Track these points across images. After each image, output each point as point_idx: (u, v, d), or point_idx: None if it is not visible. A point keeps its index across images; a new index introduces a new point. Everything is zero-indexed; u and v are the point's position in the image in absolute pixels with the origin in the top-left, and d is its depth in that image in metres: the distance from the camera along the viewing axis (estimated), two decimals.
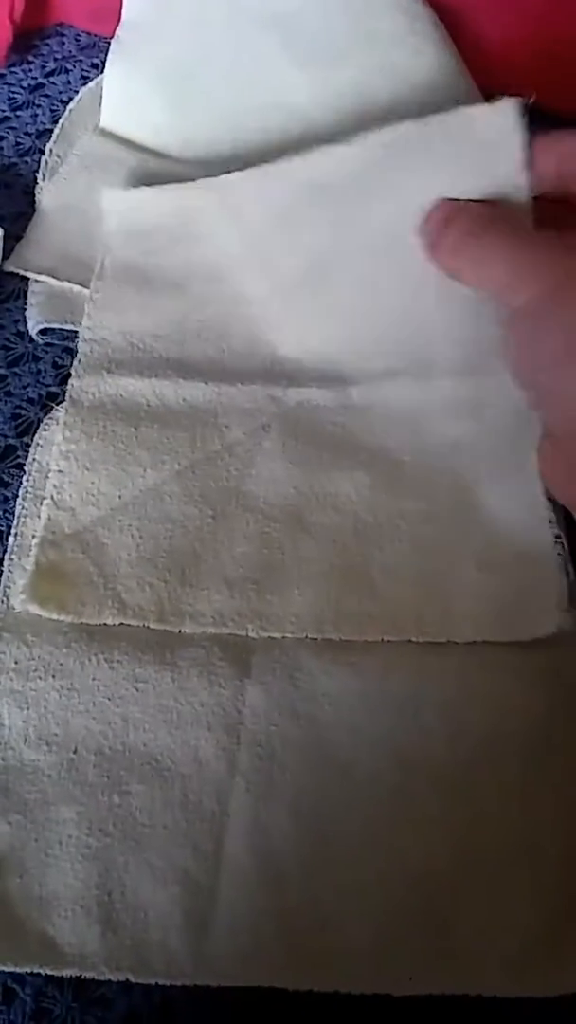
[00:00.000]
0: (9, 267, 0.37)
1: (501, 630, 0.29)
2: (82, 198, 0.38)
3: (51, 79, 0.46)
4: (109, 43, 0.42)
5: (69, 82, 0.46)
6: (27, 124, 0.43)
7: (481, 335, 0.31)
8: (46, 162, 0.41)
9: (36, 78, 0.46)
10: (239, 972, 0.24)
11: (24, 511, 0.31)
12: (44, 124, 0.43)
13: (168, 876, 0.25)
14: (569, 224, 0.29)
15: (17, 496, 0.31)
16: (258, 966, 0.24)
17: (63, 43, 0.48)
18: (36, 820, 0.26)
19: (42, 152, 0.41)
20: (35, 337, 0.36)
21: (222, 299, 0.35)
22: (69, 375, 0.33)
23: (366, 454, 0.32)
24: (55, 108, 0.44)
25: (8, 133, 0.43)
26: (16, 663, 0.28)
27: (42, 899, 0.25)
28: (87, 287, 0.35)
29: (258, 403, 0.33)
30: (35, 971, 0.24)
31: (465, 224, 0.29)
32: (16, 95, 0.45)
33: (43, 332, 0.36)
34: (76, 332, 0.35)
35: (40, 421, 0.33)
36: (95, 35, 0.48)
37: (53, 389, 0.35)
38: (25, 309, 0.36)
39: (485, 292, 0.29)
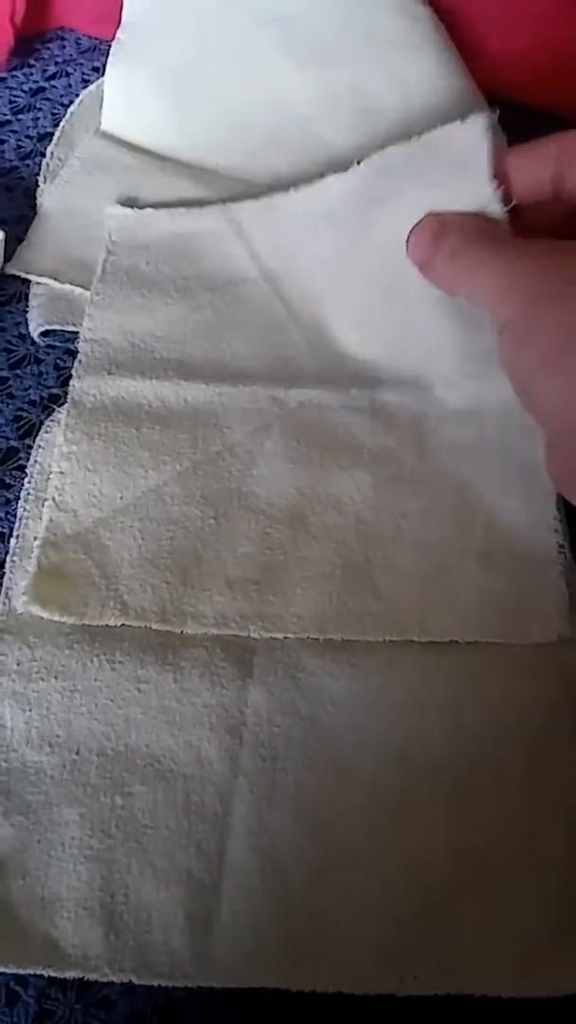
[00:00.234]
0: (10, 269, 0.37)
1: (503, 632, 0.29)
2: (83, 201, 0.38)
3: (52, 82, 0.46)
4: (110, 46, 0.42)
5: (70, 85, 0.46)
6: (28, 127, 0.43)
7: (480, 346, 0.31)
8: (47, 165, 0.41)
9: (37, 82, 0.46)
10: (242, 973, 0.24)
11: (26, 513, 0.31)
12: (45, 127, 0.43)
13: (171, 877, 0.25)
14: (562, 229, 0.29)
15: (19, 498, 0.31)
16: (261, 967, 0.24)
17: (64, 47, 0.48)
18: (39, 822, 0.26)
19: (43, 155, 0.41)
20: (36, 339, 0.36)
21: (224, 302, 0.35)
22: (70, 377, 0.33)
23: (368, 454, 0.32)
24: (56, 111, 0.44)
25: (9, 136, 0.43)
26: (18, 665, 0.28)
27: (45, 901, 0.25)
28: (88, 289, 0.35)
29: (260, 404, 0.33)
30: (38, 973, 0.24)
31: (454, 241, 0.29)
32: (17, 99, 0.45)
33: (44, 334, 0.36)
34: (77, 334, 0.35)
35: (42, 423, 0.33)
36: (96, 38, 0.48)
37: (55, 391, 0.35)
38: (26, 311, 0.36)
39: (481, 305, 0.29)
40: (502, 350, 0.28)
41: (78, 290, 0.36)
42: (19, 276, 0.37)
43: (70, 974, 0.24)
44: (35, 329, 0.36)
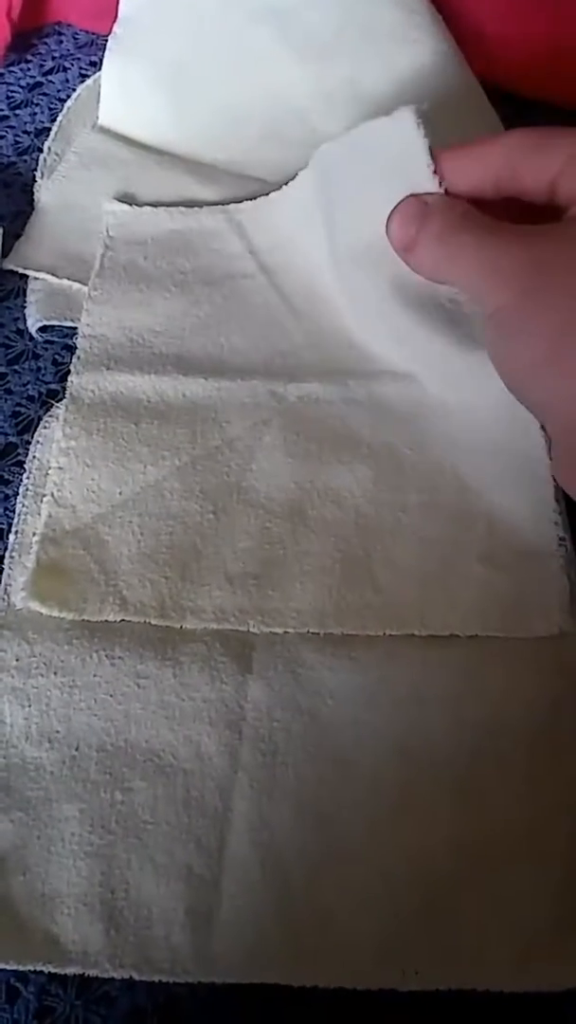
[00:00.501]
0: (8, 265, 0.37)
1: (503, 626, 0.28)
2: (81, 196, 0.38)
3: (49, 78, 0.46)
4: (107, 41, 0.42)
5: (67, 80, 0.46)
6: (26, 123, 0.43)
7: (464, 342, 0.30)
8: (44, 160, 0.41)
9: (34, 77, 0.46)
10: (243, 969, 0.24)
11: (25, 509, 0.31)
12: (43, 122, 0.43)
13: (171, 873, 0.25)
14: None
15: (17, 494, 0.31)
16: (262, 962, 0.24)
17: (61, 42, 0.48)
18: (39, 818, 0.26)
19: (41, 150, 0.41)
20: (35, 335, 0.36)
21: (222, 297, 0.35)
22: (69, 372, 0.33)
23: (367, 448, 0.32)
24: (54, 106, 0.44)
25: (7, 132, 0.43)
26: (17, 660, 0.28)
27: (45, 897, 0.25)
28: (86, 284, 0.35)
29: (258, 398, 0.33)
30: (38, 969, 0.24)
31: (437, 224, 0.28)
32: (15, 94, 0.45)
33: (42, 330, 0.36)
34: (75, 329, 0.35)
35: (40, 419, 0.33)
36: (93, 33, 0.48)
37: (53, 386, 0.35)
38: (24, 307, 0.36)
39: (464, 291, 0.29)
40: (491, 341, 0.27)
41: (76, 285, 0.36)
42: (17, 271, 0.37)
43: (70, 970, 0.24)
44: (33, 324, 0.36)
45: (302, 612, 0.29)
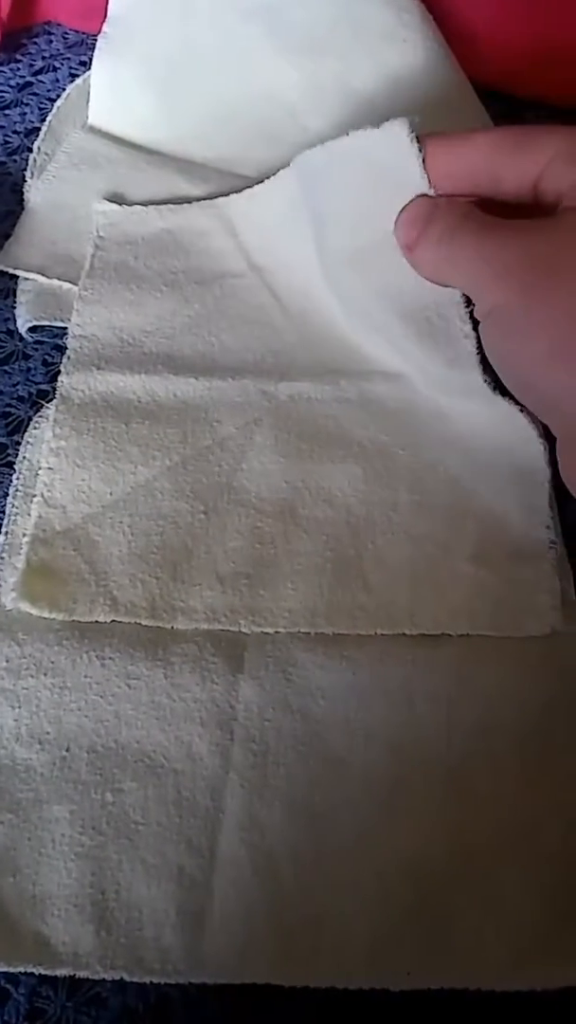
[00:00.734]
0: None
1: (495, 625, 0.28)
2: (71, 195, 0.38)
3: (39, 77, 0.46)
4: (96, 41, 0.42)
5: (57, 80, 0.45)
6: (15, 123, 0.43)
7: (454, 344, 0.30)
8: (34, 160, 0.41)
9: (24, 76, 0.46)
10: (235, 969, 0.24)
11: (15, 509, 0.31)
12: (33, 122, 0.43)
13: (162, 873, 0.25)
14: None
15: (7, 495, 0.31)
16: (254, 963, 0.24)
17: (51, 41, 0.48)
18: (29, 819, 0.26)
19: (30, 150, 0.41)
20: (24, 335, 0.36)
21: (213, 296, 0.35)
22: (59, 372, 0.33)
23: (358, 447, 0.32)
24: (43, 106, 0.44)
25: None
26: (7, 661, 0.28)
27: (35, 898, 0.25)
28: (76, 284, 0.35)
29: (249, 397, 0.33)
30: (29, 971, 0.24)
31: (442, 225, 0.28)
32: (4, 94, 0.45)
33: (32, 330, 0.36)
34: (66, 329, 0.34)
35: (30, 419, 0.33)
36: (83, 33, 0.47)
37: (43, 387, 0.35)
38: (14, 307, 0.36)
39: (463, 290, 0.28)
40: (491, 340, 0.27)
41: (66, 285, 0.36)
42: (6, 272, 0.37)
43: (61, 972, 0.24)
44: (23, 325, 0.36)
45: (293, 612, 0.29)
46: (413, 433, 0.32)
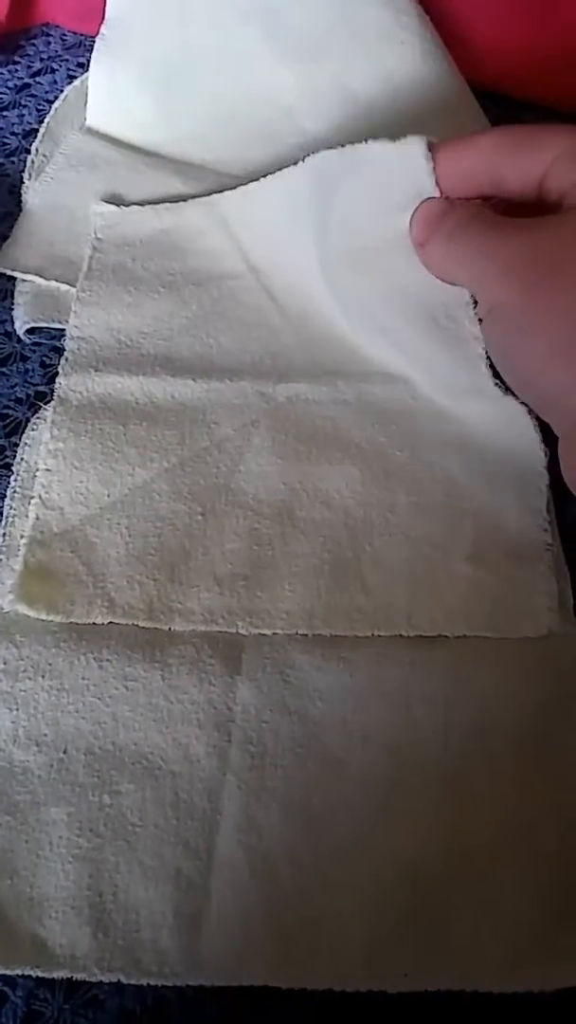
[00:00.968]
0: None
1: (492, 627, 0.28)
2: (69, 197, 0.38)
3: (37, 79, 0.46)
4: (95, 42, 0.42)
5: (55, 82, 0.46)
6: (13, 124, 0.43)
7: (463, 345, 0.30)
8: (32, 162, 0.41)
9: (22, 78, 0.46)
10: (232, 971, 0.24)
11: (12, 511, 0.31)
12: (30, 124, 0.43)
13: (160, 875, 0.25)
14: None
15: (5, 496, 0.31)
16: (251, 965, 0.24)
17: (49, 43, 0.48)
18: (26, 821, 0.26)
19: (28, 152, 0.41)
20: (22, 337, 0.36)
21: (210, 297, 0.35)
22: (57, 374, 0.33)
23: (356, 449, 0.32)
24: (41, 108, 0.44)
25: None
26: (5, 664, 0.28)
27: (33, 900, 0.25)
28: (74, 286, 0.35)
29: (247, 399, 0.33)
30: (26, 973, 0.24)
31: (453, 222, 0.28)
32: (2, 95, 0.45)
33: (30, 331, 0.36)
34: (63, 331, 0.34)
35: (28, 421, 0.33)
36: (81, 34, 0.47)
37: (41, 388, 0.35)
38: (12, 309, 0.36)
39: (469, 288, 0.28)
40: (494, 338, 0.27)
41: (64, 287, 0.36)
42: (4, 273, 0.37)
43: (58, 974, 0.24)
44: (21, 327, 0.36)
45: (291, 613, 0.28)
46: (411, 435, 0.32)
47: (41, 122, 0.43)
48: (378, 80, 0.39)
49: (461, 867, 0.25)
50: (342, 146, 0.31)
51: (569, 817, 0.26)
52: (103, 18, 0.42)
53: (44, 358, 0.35)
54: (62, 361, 0.33)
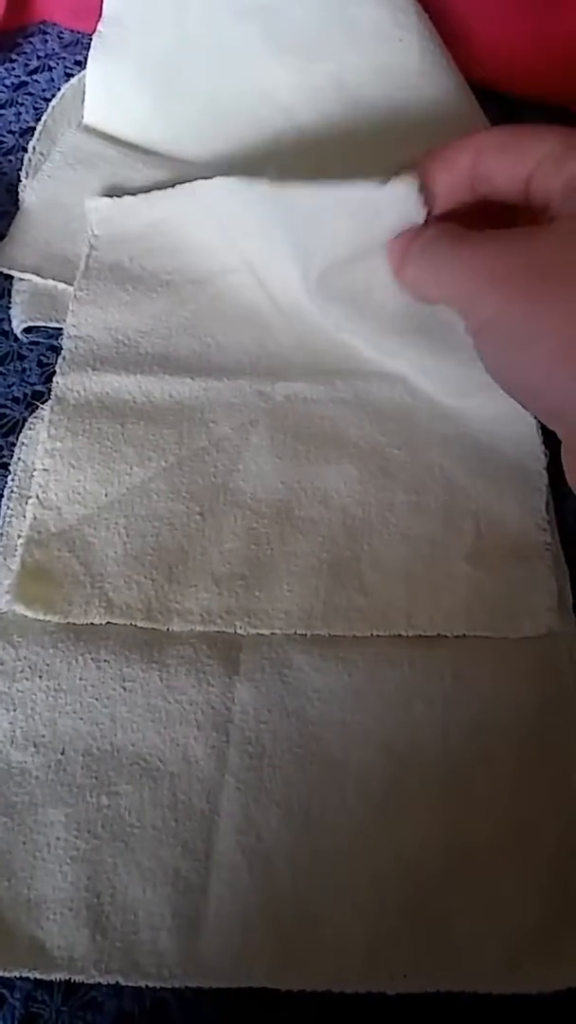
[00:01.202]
0: None
1: (492, 626, 0.28)
2: (66, 195, 0.38)
3: (34, 77, 0.45)
4: (92, 40, 0.42)
5: (53, 80, 0.45)
6: (11, 122, 0.43)
7: (464, 342, 0.30)
8: (29, 160, 0.40)
9: (19, 76, 0.45)
10: (231, 973, 0.24)
11: (9, 511, 0.31)
12: (28, 122, 0.43)
13: (158, 877, 0.25)
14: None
15: (2, 496, 0.31)
16: (250, 966, 0.24)
17: (46, 41, 0.47)
18: (24, 823, 0.26)
19: (25, 150, 0.41)
20: (20, 336, 0.36)
21: (207, 296, 0.35)
22: (54, 373, 0.33)
23: (355, 448, 0.32)
24: (39, 106, 0.44)
25: None
26: (2, 664, 0.28)
27: (31, 902, 0.25)
28: (71, 285, 0.35)
29: (245, 398, 0.33)
30: (24, 975, 0.24)
31: (424, 239, 0.27)
32: None
33: (28, 331, 0.36)
34: (61, 330, 0.34)
35: (25, 420, 0.33)
36: (78, 32, 0.47)
37: (38, 388, 0.34)
38: (9, 308, 0.36)
39: (453, 307, 0.28)
40: (489, 350, 0.27)
41: (61, 286, 0.36)
42: (2, 272, 0.37)
43: (56, 976, 0.24)
44: (18, 326, 0.35)
45: (289, 613, 0.28)
46: (409, 433, 0.32)
47: (38, 120, 0.42)
48: (376, 78, 0.39)
49: (460, 867, 0.25)
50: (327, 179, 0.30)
51: (568, 818, 0.26)
52: (100, 16, 0.42)
53: (41, 357, 0.35)
54: (59, 360, 0.33)
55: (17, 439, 0.32)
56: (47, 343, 0.36)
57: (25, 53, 0.47)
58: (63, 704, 0.27)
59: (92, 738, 0.27)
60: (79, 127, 0.41)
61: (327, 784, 0.26)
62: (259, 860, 0.25)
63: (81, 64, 0.45)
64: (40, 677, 0.27)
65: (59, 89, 0.44)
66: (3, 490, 0.31)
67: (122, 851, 0.25)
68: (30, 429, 0.33)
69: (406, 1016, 0.24)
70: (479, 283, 0.25)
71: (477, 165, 0.27)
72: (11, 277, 0.37)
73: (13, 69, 0.46)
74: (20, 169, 0.40)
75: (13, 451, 0.32)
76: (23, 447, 0.32)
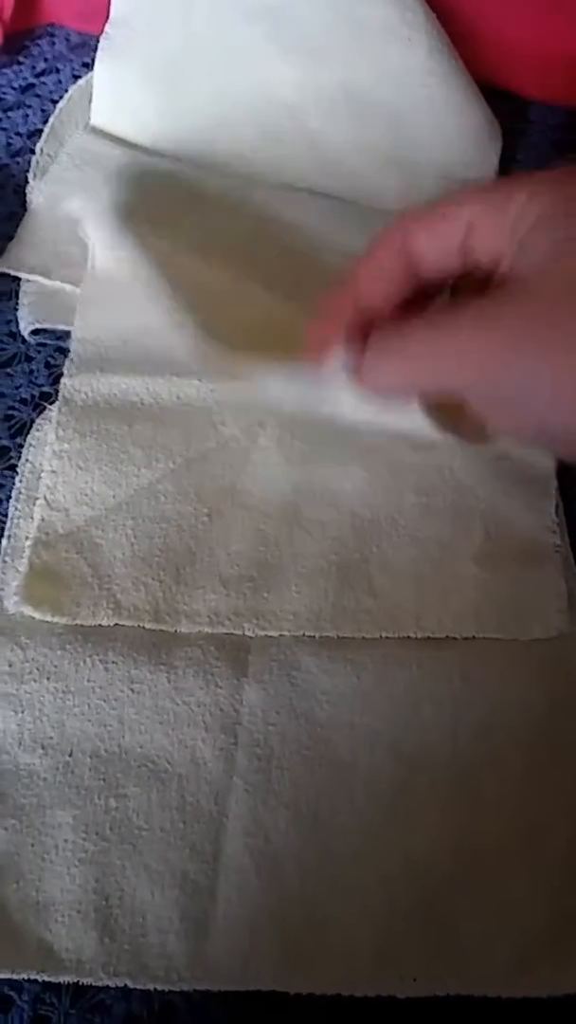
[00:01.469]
0: (0, 267, 0.36)
1: (501, 628, 0.28)
2: (74, 197, 0.38)
3: (42, 79, 0.45)
4: (99, 42, 0.42)
5: (60, 82, 0.45)
6: (18, 124, 0.43)
7: None
8: (37, 162, 0.40)
9: (27, 78, 0.45)
10: (239, 976, 0.24)
11: (17, 512, 0.31)
12: (35, 124, 0.43)
13: (166, 879, 0.25)
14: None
15: (10, 497, 0.31)
16: (258, 969, 0.24)
17: (53, 43, 0.48)
18: (32, 825, 0.26)
19: (33, 152, 0.41)
20: (27, 337, 0.36)
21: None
22: (62, 375, 0.33)
23: (363, 449, 0.31)
24: (46, 108, 0.44)
25: None
26: (10, 666, 0.28)
27: (39, 905, 0.25)
28: (79, 286, 0.35)
29: (253, 399, 0.32)
30: (32, 978, 0.24)
31: (375, 343, 0.26)
32: (6, 96, 0.44)
33: (35, 332, 0.36)
34: (69, 332, 0.34)
35: (33, 421, 0.33)
36: (85, 34, 0.47)
37: (46, 389, 0.34)
38: (17, 309, 0.36)
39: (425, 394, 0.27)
40: (499, 406, 0.25)
41: (69, 287, 0.36)
42: (9, 274, 0.37)
43: (65, 979, 0.24)
44: (26, 327, 0.35)
45: (297, 615, 0.28)
46: (417, 434, 0.32)
47: (46, 122, 0.42)
48: (383, 78, 0.39)
49: (469, 870, 0.25)
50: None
51: None
52: (107, 18, 0.42)
53: (49, 359, 0.35)
54: (67, 362, 0.33)
55: (25, 441, 0.32)
56: (55, 344, 0.36)
57: (33, 55, 0.47)
58: (71, 706, 0.27)
59: (100, 740, 0.27)
60: (86, 129, 0.41)
61: (335, 786, 0.26)
62: (267, 862, 0.25)
63: (88, 66, 0.45)
64: (48, 679, 0.27)
65: (66, 91, 0.44)
66: (11, 491, 0.31)
67: (130, 853, 0.25)
68: (38, 431, 0.33)
69: (415, 1020, 0.24)
70: (475, 349, 0.23)
71: (408, 247, 0.26)
72: (19, 279, 0.37)
73: (21, 71, 0.46)
74: (28, 171, 0.40)
75: (21, 453, 0.32)
76: (31, 448, 0.32)
